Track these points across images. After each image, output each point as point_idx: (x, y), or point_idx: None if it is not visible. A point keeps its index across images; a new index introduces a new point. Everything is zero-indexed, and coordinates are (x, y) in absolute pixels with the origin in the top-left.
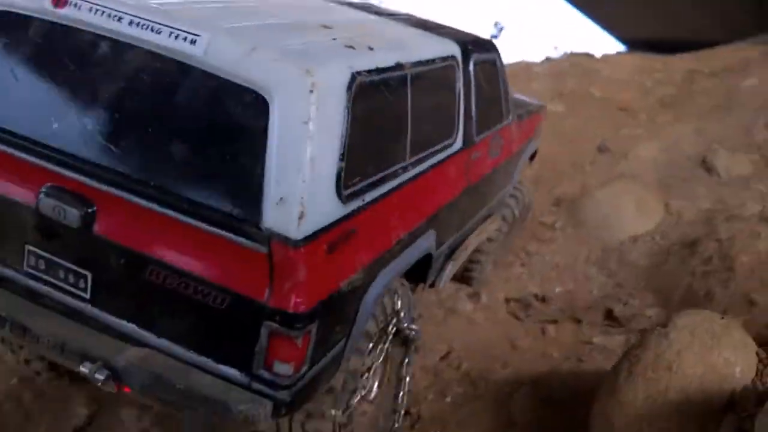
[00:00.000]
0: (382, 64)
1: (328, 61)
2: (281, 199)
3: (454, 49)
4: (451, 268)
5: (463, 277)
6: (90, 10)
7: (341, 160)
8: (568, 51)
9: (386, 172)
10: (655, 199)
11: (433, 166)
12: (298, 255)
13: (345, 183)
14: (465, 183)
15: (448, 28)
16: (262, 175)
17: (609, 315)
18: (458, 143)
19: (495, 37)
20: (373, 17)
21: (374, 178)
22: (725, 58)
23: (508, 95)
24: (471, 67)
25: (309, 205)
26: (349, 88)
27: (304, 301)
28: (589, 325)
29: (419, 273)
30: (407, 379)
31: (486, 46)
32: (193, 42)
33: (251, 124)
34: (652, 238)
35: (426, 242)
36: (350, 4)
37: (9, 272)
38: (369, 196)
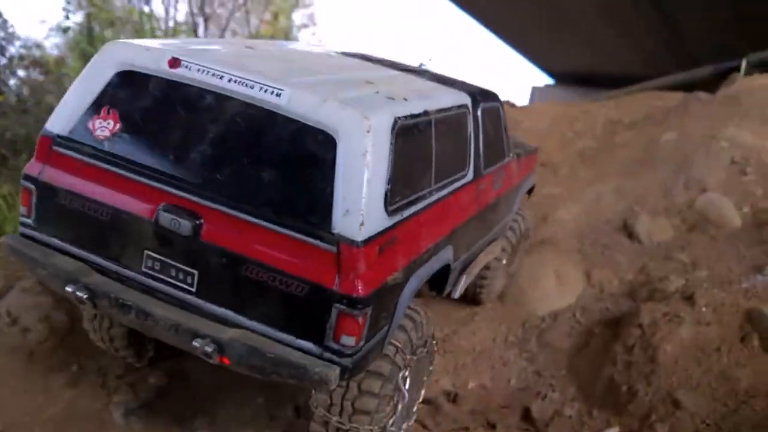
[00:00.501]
0: (414, 111)
1: (377, 109)
2: (347, 211)
3: (465, 99)
4: (465, 280)
5: (474, 295)
6: (198, 70)
7: (388, 183)
8: None
9: (418, 195)
10: (576, 269)
11: (451, 192)
12: (359, 253)
13: (390, 200)
14: (476, 208)
15: (460, 81)
16: (332, 194)
17: (526, 415)
18: (470, 175)
19: None
20: (400, 73)
21: (410, 198)
22: (646, 106)
23: (508, 137)
24: (479, 113)
25: (366, 216)
26: (393, 129)
27: (363, 288)
28: (504, 430)
29: (438, 284)
30: (422, 391)
31: (491, 96)
32: (278, 95)
33: (324, 156)
34: (573, 314)
35: (446, 254)
36: (373, 60)
37: (130, 273)
38: (407, 212)
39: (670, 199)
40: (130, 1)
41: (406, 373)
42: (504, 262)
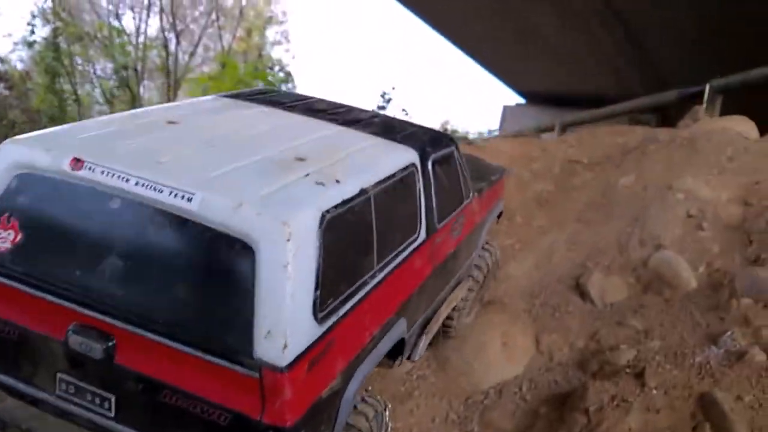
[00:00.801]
0: (348, 195)
1: (301, 206)
2: (269, 332)
3: (412, 157)
4: (424, 341)
5: (442, 335)
6: (102, 172)
7: (316, 289)
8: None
9: (357, 284)
10: (525, 334)
11: (399, 264)
12: (284, 379)
13: (321, 307)
14: (431, 267)
15: (409, 128)
16: (252, 313)
17: None
18: (422, 236)
19: (383, 108)
20: (343, 130)
21: (346, 293)
22: (606, 144)
23: (467, 178)
24: (429, 167)
25: (291, 336)
26: (320, 226)
27: (291, 417)
28: None
29: (393, 353)
30: None
31: (443, 141)
32: (189, 200)
33: (241, 269)
34: (519, 388)
35: (397, 331)
36: (317, 110)
37: (43, 395)
38: (343, 310)
39: (625, 255)
40: (99, 16)
41: None
42: (476, 293)
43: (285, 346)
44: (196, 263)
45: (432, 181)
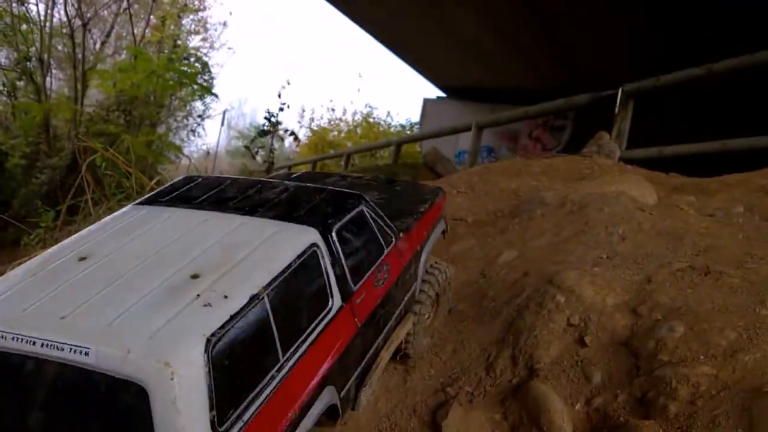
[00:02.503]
0: (235, 309)
1: (184, 341)
2: None
3: (313, 236)
4: (365, 392)
5: (401, 356)
6: (12, 338)
7: (212, 410)
8: None
9: (261, 385)
10: None
11: (314, 341)
12: None
13: (220, 423)
14: (354, 327)
15: (316, 197)
16: None
17: None
18: (337, 303)
19: (281, 110)
20: (240, 225)
21: (250, 397)
22: (498, 193)
23: (383, 226)
24: (333, 238)
25: None
26: (206, 352)
27: None
28: None
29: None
30: None
31: (349, 203)
32: (86, 354)
33: (141, 408)
34: None
35: (323, 402)
36: (224, 201)
37: None
38: (248, 413)
39: (493, 377)
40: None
41: None
42: (426, 318)
43: None
44: (106, 407)
45: (338, 250)
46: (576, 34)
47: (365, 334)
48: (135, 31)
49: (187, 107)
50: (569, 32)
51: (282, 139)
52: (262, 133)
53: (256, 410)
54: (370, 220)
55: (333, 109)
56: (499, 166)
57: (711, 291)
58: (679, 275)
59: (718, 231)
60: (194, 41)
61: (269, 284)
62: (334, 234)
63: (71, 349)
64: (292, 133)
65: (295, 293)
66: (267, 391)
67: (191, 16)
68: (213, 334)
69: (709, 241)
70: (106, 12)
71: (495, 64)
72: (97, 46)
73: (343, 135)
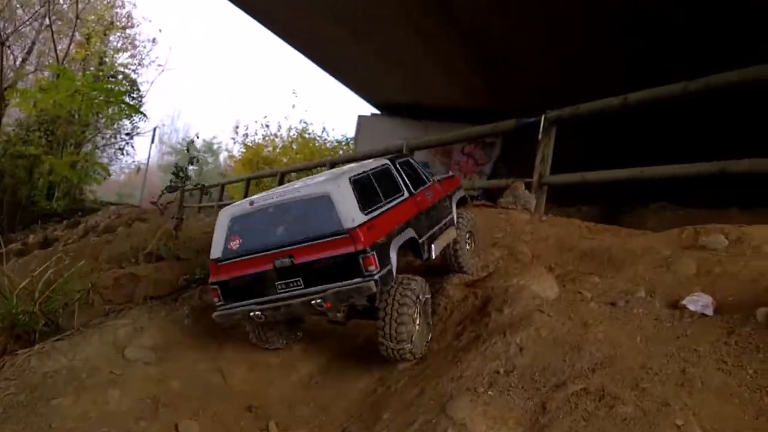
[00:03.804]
0: (358, 173)
1: (342, 179)
2: (352, 220)
3: (386, 162)
4: (435, 246)
5: (455, 265)
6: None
7: (361, 209)
8: None
9: (375, 206)
10: None
11: (396, 204)
12: (357, 231)
13: (363, 210)
14: (417, 208)
15: (380, 156)
16: (339, 221)
17: None
18: (405, 194)
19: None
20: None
21: (371, 209)
22: None
23: (424, 174)
24: (396, 166)
25: (356, 219)
26: (350, 182)
27: (363, 245)
28: None
29: (418, 252)
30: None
31: (402, 156)
32: (306, 193)
33: (328, 205)
34: None
35: (409, 232)
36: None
37: (265, 297)
38: (373, 214)
39: None
40: None
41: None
42: (468, 241)
43: (353, 222)
44: (317, 209)
45: (400, 170)
46: (506, 57)
47: (426, 215)
48: (58, 48)
49: (115, 125)
50: (499, 55)
51: (191, 194)
52: (170, 188)
53: (375, 215)
54: (416, 166)
55: (267, 125)
56: None
57: (604, 424)
58: (573, 401)
59: (616, 335)
60: (122, 58)
61: (369, 170)
62: (396, 163)
63: (303, 194)
64: (202, 187)
65: (381, 180)
66: (378, 211)
67: (118, 33)
68: (350, 178)
69: (606, 350)
70: (27, 28)
71: (427, 84)
72: (17, 62)
73: (278, 151)
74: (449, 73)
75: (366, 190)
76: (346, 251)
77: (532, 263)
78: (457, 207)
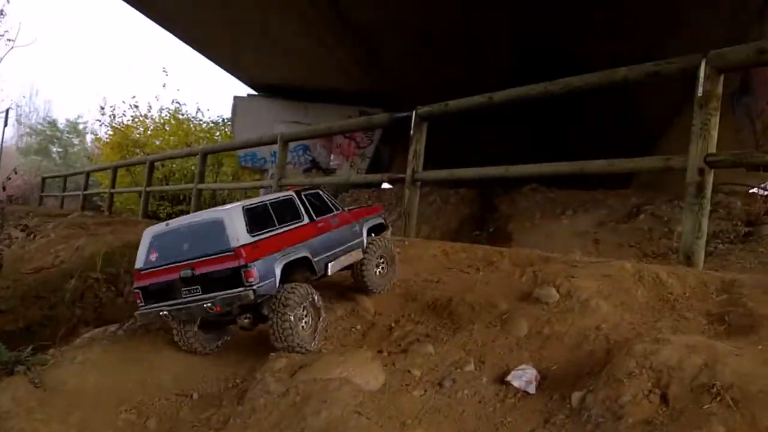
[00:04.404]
0: (254, 204)
1: (234, 209)
2: (237, 239)
3: (291, 194)
4: (332, 266)
5: (361, 284)
6: (177, 223)
7: (248, 231)
8: None
9: (265, 230)
10: None
11: (292, 228)
12: (240, 249)
13: (250, 233)
14: (315, 232)
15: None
16: (227, 241)
17: None
18: (306, 220)
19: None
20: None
21: (261, 231)
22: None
23: (333, 203)
24: (301, 197)
25: (241, 240)
26: (242, 210)
27: (245, 260)
28: None
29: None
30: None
31: (312, 189)
32: (206, 218)
33: (222, 228)
34: None
35: (301, 252)
36: None
37: (173, 300)
38: (259, 236)
39: None
40: None
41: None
42: (380, 264)
43: (238, 241)
44: (211, 232)
45: (304, 201)
46: (385, 42)
47: (325, 239)
48: None
49: None
50: (378, 39)
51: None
52: None
53: (262, 237)
54: (325, 198)
55: (137, 106)
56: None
57: None
58: None
59: None
60: None
61: (268, 201)
62: (302, 195)
63: (205, 218)
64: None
65: (280, 208)
66: (267, 234)
67: None
68: (243, 207)
69: None
70: None
71: (308, 66)
72: None
73: (149, 133)
74: (331, 58)
75: (257, 217)
76: (232, 265)
77: (370, 331)
78: (374, 233)
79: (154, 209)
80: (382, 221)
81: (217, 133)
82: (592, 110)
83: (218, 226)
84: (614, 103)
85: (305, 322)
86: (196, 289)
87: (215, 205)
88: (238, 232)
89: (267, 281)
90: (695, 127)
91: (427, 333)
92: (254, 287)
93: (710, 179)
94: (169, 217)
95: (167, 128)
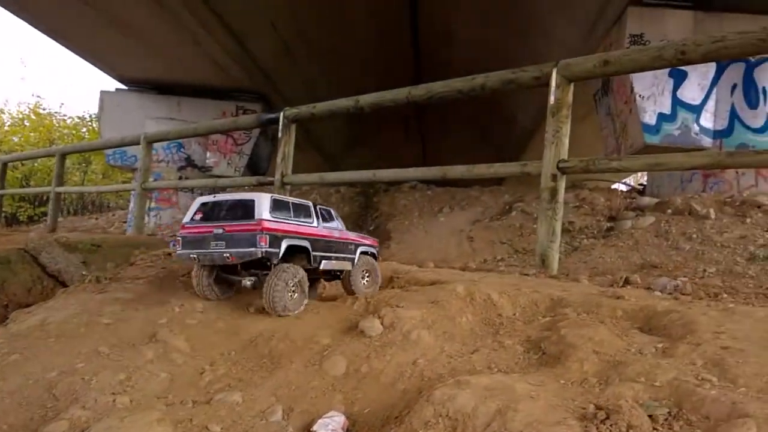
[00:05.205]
0: (279, 198)
1: (264, 197)
2: (261, 215)
3: (310, 203)
4: (325, 263)
5: (348, 289)
6: (221, 197)
7: (270, 213)
8: None
9: (283, 218)
10: None
11: (300, 225)
12: (262, 221)
13: (271, 213)
14: (318, 234)
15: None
16: (255, 214)
17: None
18: (315, 224)
19: None
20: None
21: (280, 217)
22: None
23: (339, 222)
24: (316, 208)
25: (264, 215)
26: (271, 199)
27: (263, 229)
28: None
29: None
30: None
31: (326, 206)
32: (243, 198)
33: (253, 207)
34: None
35: (304, 242)
36: None
37: (203, 249)
38: (278, 219)
39: None
40: None
41: None
42: (365, 276)
43: (262, 216)
44: (243, 206)
45: (318, 212)
46: (260, 40)
47: (326, 242)
48: None
49: None
50: (252, 35)
51: None
52: None
53: (279, 220)
54: (333, 215)
55: None
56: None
57: None
58: None
59: None
60: None
61: (290, 201)
62: (317, 207)
63: (240, 197)
64: None
65: (298, 208)
66: (283, 220)
67: None
68: (272, 197)
69: None
70: None
71: (178, 60)
72: None
73: (6, 129)
74: (203, 53)
75: (280, 207)
76: (252, 230)
77: (179, 377)
78: (365, 255)
79: (14, 211)
80: (375, 252)
81: (84, 129)
82: (478, 114)
83: (251, 203)
84: (495, 108)
85: (292, 293)
86: (222, 243)
87: (83, 206)
88: (263, 211)
89: (273, 249)
90: (548, 134)
91: (241, 377)
92: (263, 250)
93: (563, 184)
94: (30, 219)
95: (27, 124)
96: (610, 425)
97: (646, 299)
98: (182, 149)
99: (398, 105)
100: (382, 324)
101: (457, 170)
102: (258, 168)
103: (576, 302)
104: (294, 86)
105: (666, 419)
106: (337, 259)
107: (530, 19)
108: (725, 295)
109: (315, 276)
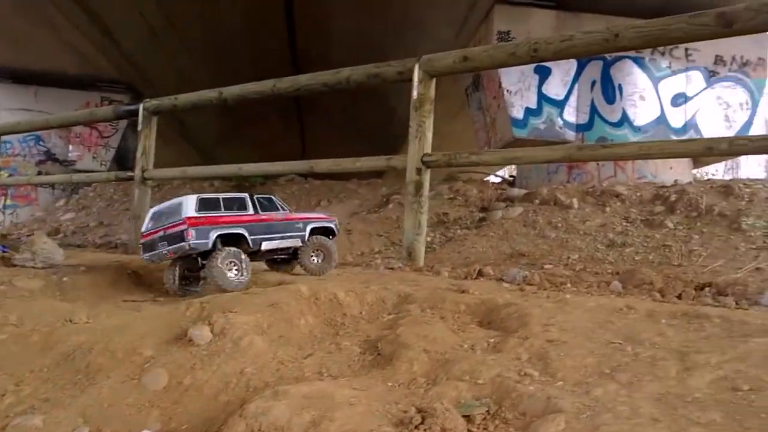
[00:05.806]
0: (208, 196)
1: (191, 199)
2: (186, 213)
3: (245, 195)
4: (265, 244)
5: (301, 265)
6: (164, 204)
7: (196, 211)
8: None
9: (214, 211)
10: None
11: (236, 215)
12: (187, 219)
13: (197, 210)
14: (257, 221)
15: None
16: (182, 214)
17: None
18: (251, 212)
19: None
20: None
21: (207, 212)
22: None
23: (281, 206)
24: (253, 199)
25: (189, 213)
26: (197, 200)
27: (188, 225)
28: None
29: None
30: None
31: (267, 194)
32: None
33: (180, 206)
34: None
35: (239, 229)
36: None
37: (155, 251)
38: (204, 214)
39: None
40: None
41: None
42: (315, 253)
43: (187, 214)
44: (176, 209)
45: (255, 201)
46: (127, 30)
47: (266, 226)
48: None
49: None
50: (117, 25)
51: None
52: None
53: (207, 215)
54: (275, 200)
55: None
56: None
57: None
58: None
59: None
60: None
61: (221, 196)
62: (254, 197)
63: (176, 202)
64: None
65: (230, 202)
66: (211, 213)
67: None
68: (198, 197)
69: None
70: None
71: (32, 47)
72: None
73: None
74: (60, 40)
75: (207, 204)
76: (180, 228)
77: None
78: (318, 234)
79: None
80: (332, 227)
81: None
82: (357, 107)
83: (180, 205)
84: (374, 101)
85: (234, 272)
86: (165, 243)
87: None
88: (189, 210)
89: (200, 241)
90: (412, 129)
91: (48, 397)
92: (189, 243)
93: (427, 178)
94: None
95: None
96: (425, 430)
97: (490, 292)
98: (41, 142)
99: (265, 97)
100: (212, 331)
101: (324, 164)
102: (126, 161)
103: (422, 298)
104: (166, 77)
105: (483, 419)
106: (281, 238)
107: (405, 11)
108: (569, 285)
109: (272, 258)
